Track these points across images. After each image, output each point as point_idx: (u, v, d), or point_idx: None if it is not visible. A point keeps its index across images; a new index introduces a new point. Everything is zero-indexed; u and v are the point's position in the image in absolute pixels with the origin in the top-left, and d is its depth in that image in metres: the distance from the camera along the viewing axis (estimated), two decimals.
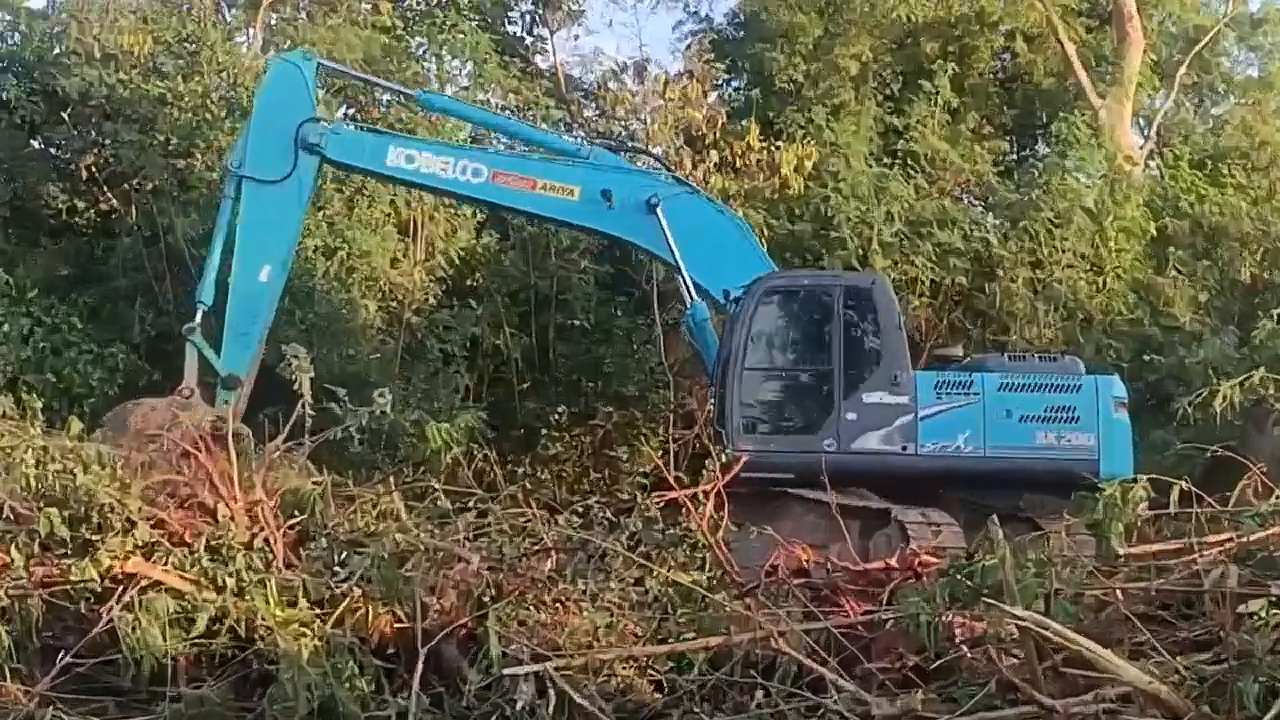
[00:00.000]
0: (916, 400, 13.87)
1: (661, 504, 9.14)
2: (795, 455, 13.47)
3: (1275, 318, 19.10)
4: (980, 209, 23.42)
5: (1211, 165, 23.70)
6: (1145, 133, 26.09)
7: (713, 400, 14.94)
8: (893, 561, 8.23)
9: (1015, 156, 26.81)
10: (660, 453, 18.76)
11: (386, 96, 21.66)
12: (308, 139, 14.62)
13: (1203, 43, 26.04)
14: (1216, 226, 22.65)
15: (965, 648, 6.35)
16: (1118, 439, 14.03)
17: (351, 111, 22.46)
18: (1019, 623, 4.46)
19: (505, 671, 7.25)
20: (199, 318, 14.65)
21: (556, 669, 7.29)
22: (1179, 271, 22.03)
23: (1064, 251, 21.27)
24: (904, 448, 13.75)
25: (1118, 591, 5.73)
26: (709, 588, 8.17)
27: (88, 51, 18.95)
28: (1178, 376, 19.59)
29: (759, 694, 6.81)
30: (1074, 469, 13.77)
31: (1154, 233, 22.18)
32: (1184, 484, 7.05)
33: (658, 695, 7.97)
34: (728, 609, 7.61)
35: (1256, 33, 27.01)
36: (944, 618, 6.38)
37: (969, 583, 6.25)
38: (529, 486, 17.07)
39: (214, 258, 14.83)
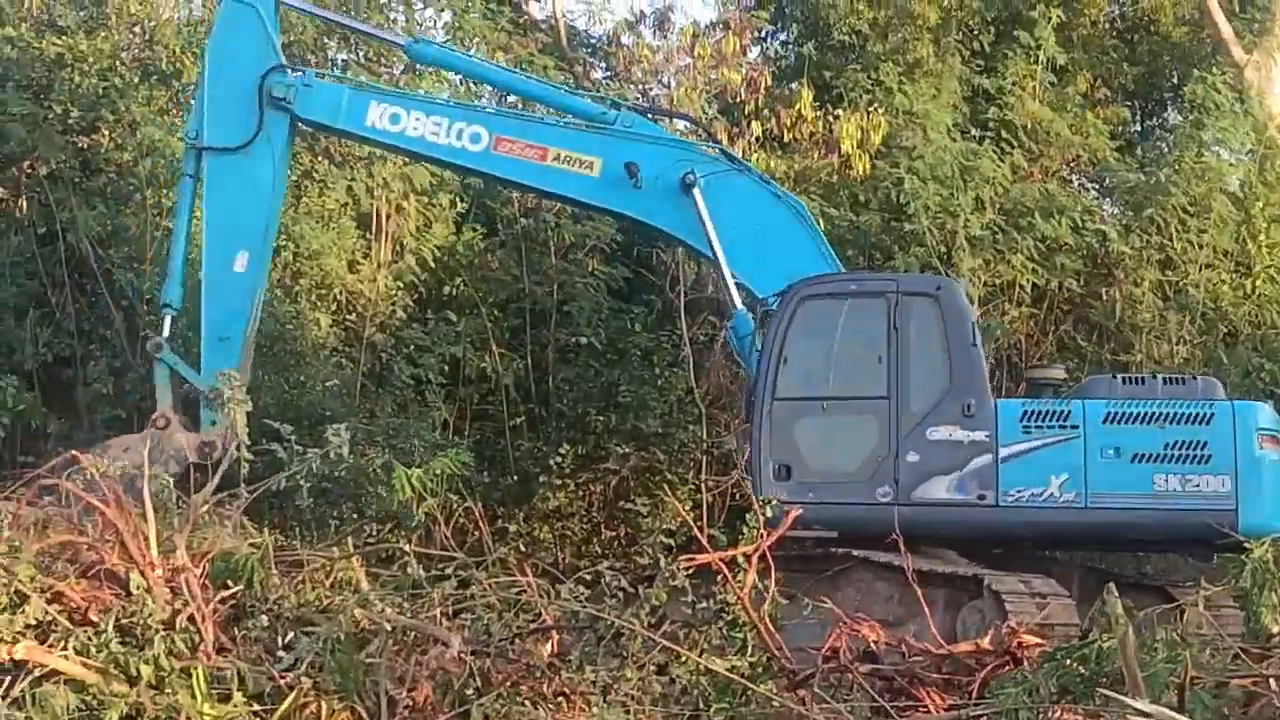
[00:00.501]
0: (997, 436, 13.83)
1: (691, 571, 9.12)
2: (841, 508, 13.53)
3: None
4: (1095, 194, 23.40)
5: None
6: None
7: (745, 434, 14.97)
8: (985, 643, 8.21)
9: (1139, 128, 26.84)
10: (689, 506, 18.93)
11: (344, 55, 21.79)
12: (273, 93, 14.87)
13: None
14: None
15: None
16: (1264, 483, 13.85)
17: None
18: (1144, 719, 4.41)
19: None
20: (167, 328, 14.97)
21: None
22: None
23: (1201, 248, 21.22)
24: (981, 496, 13.70)
25: (1271, 680, 5.66)
26: (751, 676, 8.14)
27: None
28: None
29: None
30: (1204, 521, 13.66)
31: None
32: None
33: None
34: (776, 703, 7.57)
35: None
36: (1052, 714, 6.32)
37: (1081, 669, 6.18)
38: (524, 549, 17.21)
39: (178, 250, 15.14)
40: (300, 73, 15.53)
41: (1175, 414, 13.79)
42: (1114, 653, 5.84)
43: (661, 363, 20.65)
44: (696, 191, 14.73)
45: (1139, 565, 16.59)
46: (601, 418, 20.45)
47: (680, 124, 19.26)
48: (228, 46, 15.27)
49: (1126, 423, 13.77)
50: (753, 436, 13.91)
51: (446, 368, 19.96)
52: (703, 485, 19.23)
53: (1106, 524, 13.71)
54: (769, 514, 9.68)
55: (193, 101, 16.11)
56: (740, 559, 8.68)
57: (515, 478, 20.04)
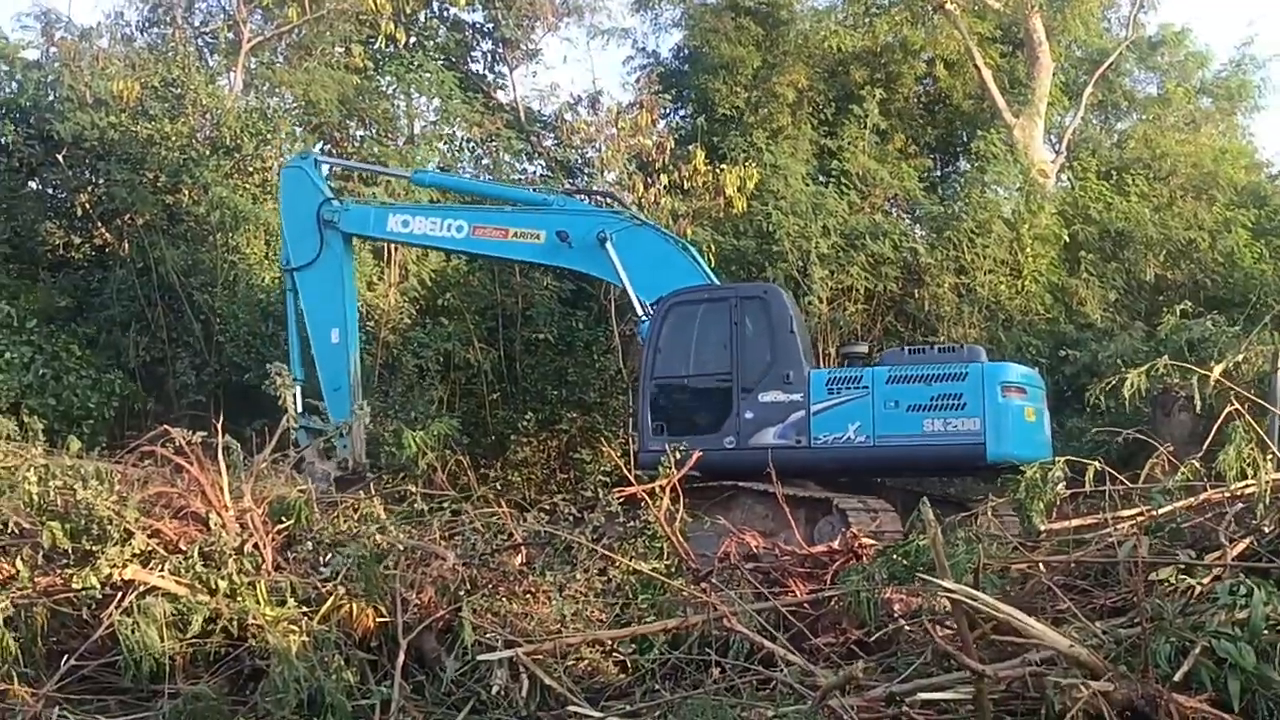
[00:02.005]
0: (809, 397, 13.85)
1: (622, 500, 9.09)
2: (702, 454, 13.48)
3: (1178, 313, 19.28)
4: (908, 221, 23.53)
5: (1117, 176, 23.91)
6: (1056, 148, 26.27)
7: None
8: (834, 545, 8.22)
9: (939, 173, 27.02)
10: (620, 454, 18.91)
11: (361, 132, 21.66)
12: (325, 217, 15.58)
13: (1106, 64, 26.26)
14: (1122, 232, 22.89)
15: (903, 622, 6.35)
16: (1005, 423, 13.80)
17: (326, 148, 22.43)
18: (951, 596, 4.43)
19: (481, 658, 7.13)
20: (299, 400, 14.80)
21: (527, 654, 7.21)
22: (1090, 273, 22.24)
23: (985, 258, 21.39)
24: (798, 441, 13.73)
25: (1040, 564, 5.72)
26: (667, 574, 8.14)
27: (80, 97, 18.84)
28: (1091, 370, 19.73)
29: (715, 670, 6.78)
30: (960, 453, 13.68)
31: (1066, 239, 22.39)
32: (1097, 464, 7.07)
33: (622, 676, 7.93)
34: (685, 593, 7.56)
35: (1154, 54, 27.27)
36: (883, 594, 6.38)
37: (904, 561, 6.24)
38: (500, 488, 17.15)
39: (293, 344, 15.74)
40: (341, 201, 16.22)
41: (939, 374, 13.71)
42: (927, 549, 5.88)
43: (599, 351, 20.65)
44: (609, 244, 14.86)
45: (944, 487, 16.62)
46: (556, 392, 20.48)
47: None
48: (291, 197, 16.06)
49: (903, 383, 13.74)
50: (639, 405, 14.10)
51: (441, 359, 19.88)
52: (629, 439, 19.24)
53: (890, 458, 13.72)
54: (665, 461, 9.57)
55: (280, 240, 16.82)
56: (658, 490, 8.65)
57: (493, 437, 20.01)
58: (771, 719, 4.99)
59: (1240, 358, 17.44)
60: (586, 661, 8.05)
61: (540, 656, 6.97)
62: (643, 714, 5.80)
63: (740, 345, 14.14)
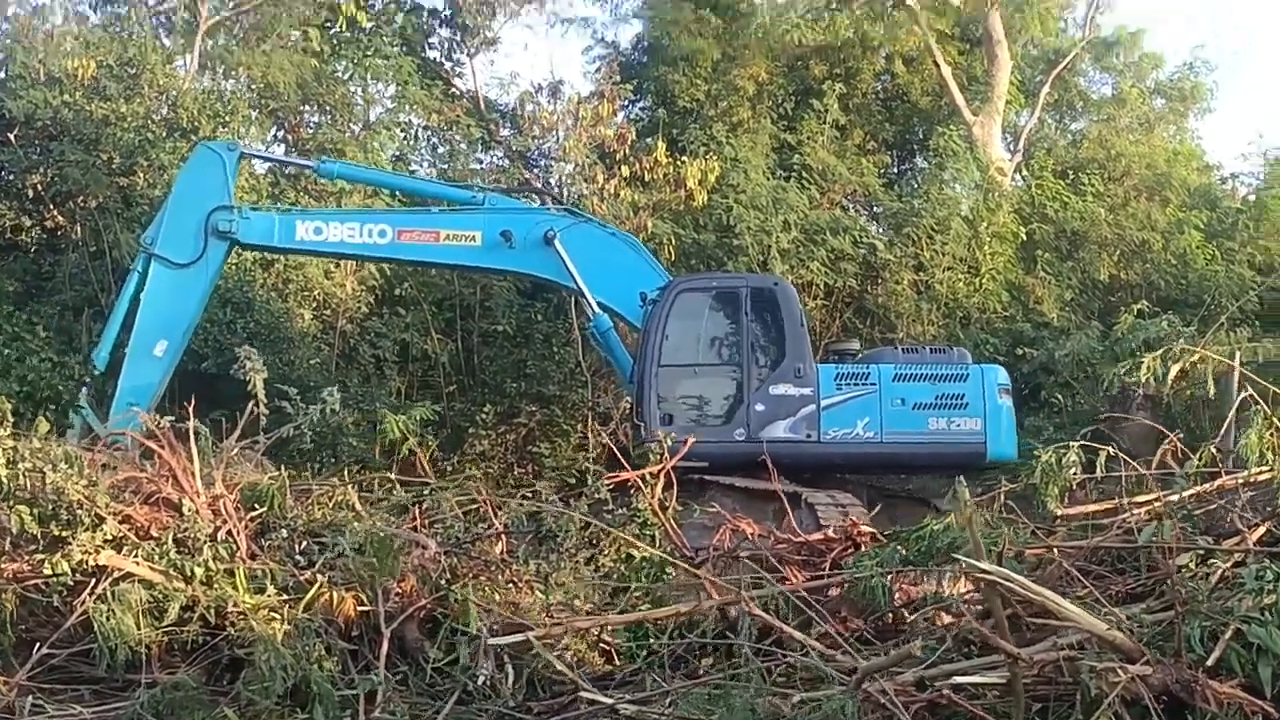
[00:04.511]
0: (819, 392, 13.92)
1: (611, 487, 9.00)
2: (709, 445, 13.24)
3: (1135, 312, 19.46)
4: (867, 217, 23.59)
5: (1073, 175, 24.09)
6: (1013, 147, 26.46)
7: (629, 397, 14.90)
8: (831, 533, 8.18)
9: (896, 170, 27.11)
10: (577, 448, 18.83)
11: (317, 118, 21.40)
12: (218, 226, 14.26)
13: (1062, 64, 26.51)
14: (1078, 231, 23.10)
15: (906, 610, 6.32)
16: (1003, 423, 14.19)
17: (281, 133, 22.13)
18: (987, 578, 4.39)
19: (491, 642, 6.99)
20: (86, 389, 14.32)
21: (538, 638, 7.07)
22: (1046, 272, 22.40)
23: (944, 255, 21.49)
24: (808, 435, 13.78)
25: (1055, 550, 5.71)
26: (660, 562, 8.05)
27: (33, 75, 18.43)
28: (1048, 368, 19.93)
29: (710, 658, 6.72)
30: (963, 452, 13.97)
31: (1023, 237, 22.52)
32: (1110, 449, 7.10)
33: (608, 666, 7.85)
34: (700, 579, 7.43)
35: (1110, 54, 27.53)
36: (895, 581, 6.33)
37: (919, 545, 6.20)
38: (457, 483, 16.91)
39: (113, 326, 14.37)
40: (238, 209, 14.63)
41: (942, 374, 14.03)
42: (940, 533, 5.86)
43: (558, 344, 20.42)
44: (558, 243, 14.63)
45: (903, 485, 16.69)
46: (514, 385, 20.18)
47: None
48: (193, 180, 14.66)
49: (909, 381, 13.96)
50: (644, 394, 13.77)
51: (399, 350, 19.66)
52: (591, 432, 19.14)
53: (896, 454, 13.93)
54: (656, 449, 9.52)
55: (157, 214, 15.11)
56: (648, 477, 8.55)
57: (449, 430, 19.73)
58: (799, 704, 4.92)
59: (1196, 357, 17.78)
60: (572, 651, 7.96)
61: (550, 641, 6.85)
62: (653, 701, 5.71)
63: (752, 337, 14.06)
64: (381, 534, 8.21)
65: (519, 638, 6.84)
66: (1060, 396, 19.44)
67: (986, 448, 13.85)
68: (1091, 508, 6.51)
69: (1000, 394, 14.22)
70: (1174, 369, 17.97)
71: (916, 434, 13.81)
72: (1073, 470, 6.80)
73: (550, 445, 19.71)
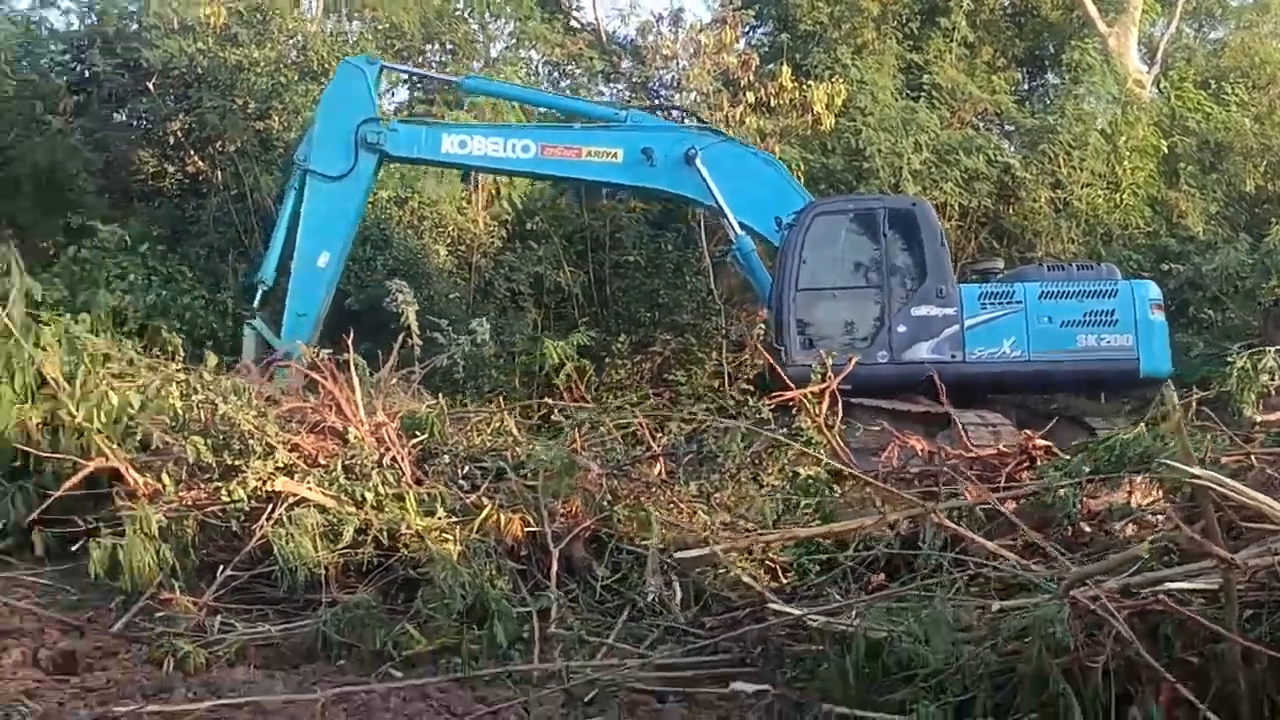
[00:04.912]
0: (962, 312, 13.77)
1: (773, 406, 8.97)
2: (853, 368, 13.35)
3: None
4: (1000, 136, 23.06)
5: (1215, 85, 23.30)
6: (1150, 59, 25.62)
7: (767, 321, 14.84)
8: (1003, 446, 8.08)
9: (1028, 87, 26.44)
10: (713, 375, 18.80)
11: (440, 58, 21.50)
12: (367, 138, 14.62)
13: None
14: (1222, 143, 22.43)
15: (1086, 524, 6.21)
16: (1156, 339, 13.93)
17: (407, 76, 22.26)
18: (1198, 482, 4.29)
19: (678, 554, 7.03)
20: (258, 300, 14.67)
21: (686, 560, 7.12)
22: (1189, 186, 21.81)
23: (1082, 171, 20.96)
24: (953, 356, 13.63)
25: (1253, 456, 5.55)
26: (829, 479, 8.03)
27: (166, 24, 18.76)
28: (1195, 284, 19.41)
29: (882, 574, 6.69)
30: (1115, 369, 13.75)
31: (1165, 150, 21.87)
32: None
33: (774, 584, 7.87)
34: (891, 494, 7.37)
35: None
36: (1085, 492, 6.22)
37: (1108, 455, 6.08)
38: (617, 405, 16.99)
39: (277, 242, 14.80)
40: (386, 121, 15.12)
41: (1090, 290, 13.82)
42: (1131, 442, 5.74)
43: (689, 273, 20.38)
44: (699, 162, 14.62)
45: (1047, 404, 16.43)
46: (647, 314, 20.22)
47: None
48: (339, 97, 15.04)
49: (1055, 299, 13.75)
50: (783, 319, 13.72)
51: (532, 282, 19.77)
52: (724, 360, 19.13)
53: (1045, 373, 13.81)
54: (818, 368, 9.45)
55: (306, 131, 15.66)
56: (811, 395, 8.49)
57: (588, 361, 19.84)
58: (998, 613, 4.88)
59: None
60: (735, 570, 7.99)
61: (719, 559, 6.88)
62: (840, 614, 5.71)
63: (890, 258, 13.96)
64: (557, 456, 8.24)
65: (702, 551, 6.85)
66: (1210, 312, 18.93)
67: (1139, 364, 13.64)
68: None
69: (1152, 309, 13.94)
70: None
71: (1066, 352, 13.63)
72: (1269, 376, 6.57)
73: (686, 372, 19.70)
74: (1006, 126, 23.16)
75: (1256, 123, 22.54)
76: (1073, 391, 14.80)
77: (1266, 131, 22.43)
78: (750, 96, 20.89)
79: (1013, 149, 22.43)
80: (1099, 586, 4.57)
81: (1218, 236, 20.74)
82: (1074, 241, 20.55)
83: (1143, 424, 5.55)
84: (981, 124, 23.30)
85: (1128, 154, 21.41)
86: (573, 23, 25.32)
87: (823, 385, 8.61)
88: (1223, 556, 4.22)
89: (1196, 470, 4.33)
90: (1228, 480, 4.45)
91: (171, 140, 18.59)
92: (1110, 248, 20.43)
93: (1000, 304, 13.81)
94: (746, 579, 6.96)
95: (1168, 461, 4.62)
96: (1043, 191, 20.89)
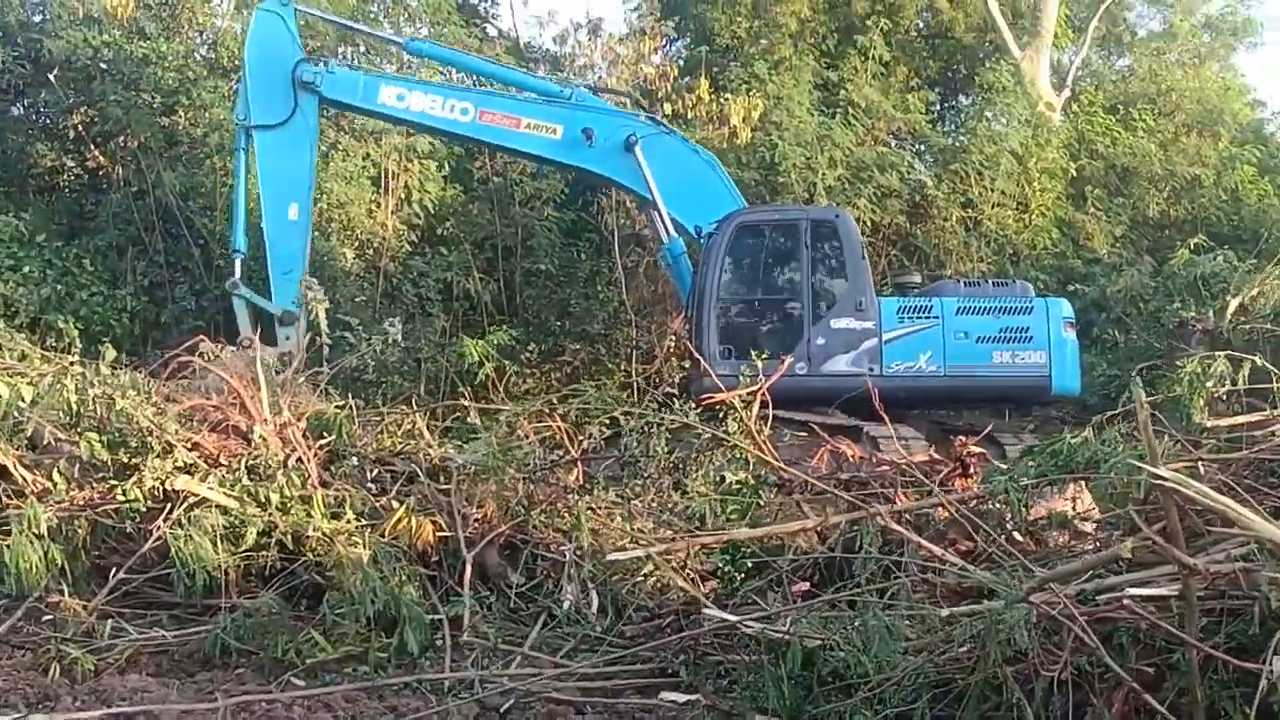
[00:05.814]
0: (881, 325, 13.69)
1: (700, 410, 8.72)
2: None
3: (1191, 247, 19.11)
4: (913, 154, 23.16)
5: (1123, 111, 23.64)
6: (1061, 83, 25.93)
7: (688, 327, 14.63)
8: (933, 453, 7.90)
9: (940, 107, 26.61)
10: (619, 387, 18.58)
11: (363, 48, 21.02)
12: (303, 78, 14.28)
13: None
14: (1128, 167, 22.74)
15: (1018, 532, 6.05)
16: (1068, 357, 13.99)
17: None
18: (1162, 483, 4.11)
19: (612, 556, 6.73)
20: (238, 270, 14.41)
21: (659, 554, 6.81)
22: (1096, 208, 22.06)
23: (993, 192, 21.13)
24: (871, 369, 13.53)
25: (1200, 465, 5.41)
26: (754, 487, 7.80)
27: (71, 14, 18.12)
28: (1099, 304, 19.59)
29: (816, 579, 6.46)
30: (1027, 386, 13.78)
31: (1073, 173, 22.14)
32: (1257, 359, 6.77)
33: (694, 593, 7.61)
34: (774, 505, 7.22)
35: None
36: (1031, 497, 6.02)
37: (1054, 460, 5.89)
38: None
39: (239, 208, 14.62)
40: (324, 63, 14.85)
41: (1006, 306, 13.83)
42: (1079, 446, 5.58)
43: (601, 283, 20.20)
44: (638, 149, 14.42)
45: (954, 420, 16.44)
46: (558, 324, 20.00)
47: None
48: (261, 44, 14.64)
49: (972, 314, 13.72)
50: (702, 328, 13.52)
51: (442, 288, 19.40)
52: (634, 370, 18.96)
53: (960, 387, 13.79)
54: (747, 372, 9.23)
55: (237, 91, 15.40)
56: (741, 399, 8.23)
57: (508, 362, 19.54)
58: (947, 620, 4.66)
59: (1255, 292, 17.39)
60: (654, 579, 7.73)
61: (672, 559, 6.62)
62: (775, 620, 5.47)
63: (812, 270, 13.83)
64: (486, 455, 7.92)
65: (636, 553, 6.57)
66: (1114, 333, 19.10)
67: (1051, 381, 13.66)
68: (1241, 419, 6.19)
69: (1064, 327, 14.00)
70: (1233, 303, 17.66)
71: (980, 367, 13.63)
72: (1215, 382, 6.47)
73: (595, 383, 19.44)
74: (919, 146, 23.20)
75: (1161, 149, 22.91)
76: (984, 407, 14.78)
77: (1171, 157, 22.81)
78: (668, 108, 20.75)
79: (926, 168, 22.53)
80: (1057, 593, 4.37)
81: (1122, 259, 21.02)
82: (984, 260, 20.68)
83: (1089, 428, 5.38)
84: (895, 142, 23.37)
85: (1037, 175, 21.64)
86: (489, 30, 24.97)
87: (754, 388, 8.33)
88: (1185, 562, 4.05)
89: (1164, 471, 4.16)
90: (1194, 483, 4.28)
91: (72, 134, 17.97)
92: (1019, 267, 20.59)
93: (918, 318, 13.76)
94: (682, 583, 6.68)
95: (1134, 462, 4.43)
96: (954, 210, 21.01)
